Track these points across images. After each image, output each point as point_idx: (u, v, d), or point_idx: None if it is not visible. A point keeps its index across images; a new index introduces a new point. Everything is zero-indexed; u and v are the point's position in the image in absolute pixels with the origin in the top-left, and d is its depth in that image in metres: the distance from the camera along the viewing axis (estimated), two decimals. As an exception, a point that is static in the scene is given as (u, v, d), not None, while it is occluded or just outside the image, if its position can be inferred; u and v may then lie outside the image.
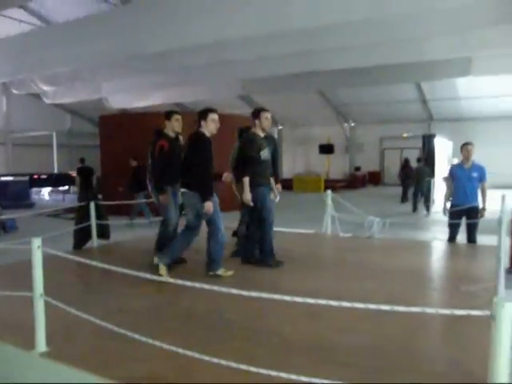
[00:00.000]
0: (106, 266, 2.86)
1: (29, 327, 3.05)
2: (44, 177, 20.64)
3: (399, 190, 17.57)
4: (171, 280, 2.66)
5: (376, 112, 24.43)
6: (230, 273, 4.91)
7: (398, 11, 7.95)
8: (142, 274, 2.82)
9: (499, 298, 1.66)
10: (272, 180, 5.60)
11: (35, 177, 19.93)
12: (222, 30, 9.33)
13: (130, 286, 4.36)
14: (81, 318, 3.12)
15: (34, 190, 20.74)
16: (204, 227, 5.02)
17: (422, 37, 10.10)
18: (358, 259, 5.89)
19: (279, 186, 5.82)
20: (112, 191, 12.21)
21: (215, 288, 2.47)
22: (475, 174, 6.36)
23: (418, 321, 3.49)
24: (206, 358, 2.37)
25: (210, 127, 4.86)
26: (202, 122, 4.86)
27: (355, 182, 24.94)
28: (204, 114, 4.89)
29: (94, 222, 6.43)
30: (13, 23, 16.00)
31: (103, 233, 6.57)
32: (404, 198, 16.88)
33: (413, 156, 18.56)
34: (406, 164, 17.74)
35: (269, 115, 5.43)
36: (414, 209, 14.65)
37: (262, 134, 5.40)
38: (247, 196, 5.15)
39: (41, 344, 3.05)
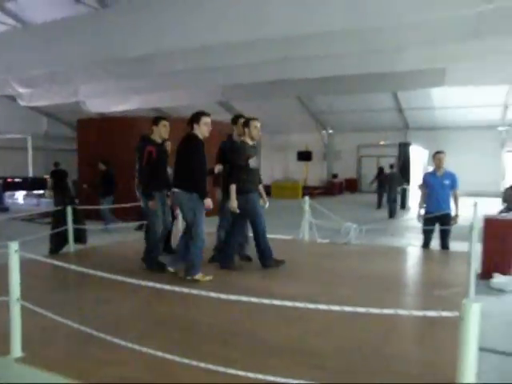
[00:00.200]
0: (85, 270, 2.85)
1: (4, 332, 3.02)
2: (18, 180, 20.28)
3: (375, 197, 17.89)
4: (150, 284, 2.67)
5: (353, 120, 24.79)
6: (208, 278, 4.93)
7: (375, 22, 8.12)
8: (119, 278, 2.82)
9: (467, 300, 1.74)
10: (261, 187, 5.72)
11: (9, 180, 19.56)
12: (202, 37, 9.35)
13: (106, 291, 4.35)
14: (57, 322, 3.11)
15: (8, 193, 20.33)
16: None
17: (398, 48, 10.32)
18: (335, 265, 5.98)
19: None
20: (89, 196, 12.11)
21: (194, 292, 2.50)
22: (447, 182, 6.54)
23: (391, 324, 3.57)
24: (185, 360, 2.39)
25: (202, 130, 4.98)
26: (195, 125, 4.97)
27: (332, 188, 25.22)
28: (197, 117, 5.00)
29: (70, 226, 6.36)
30: (-12, 23, 15.76)
31: (80, 237, 6.51)
32: (379, 205, 17.22)
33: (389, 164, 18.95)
34: (380, 172, 18.16)
35: (258, 124, 5.56)
36: (391, 215, 14.94)
37: (250, 143, 5.50)
38: (233, 203, 5.24)
39: (16, 349, 3.01)
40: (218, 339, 3.30)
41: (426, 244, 6.83)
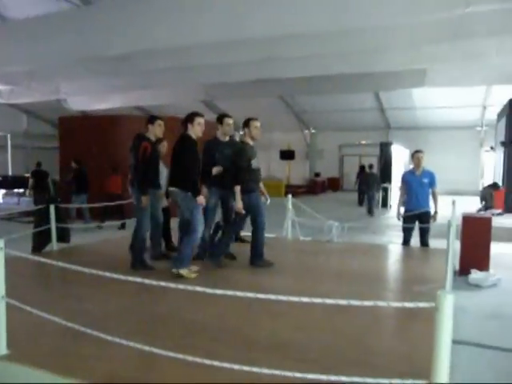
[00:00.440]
0: (73, 267, 2.88)
1: (-11, 330, 3.03)
2: (-2, 179, 19.99)
3: (357, 195, 18.19)
4: (137, 280, 2.71)
5: (336, 119, 25.01)
6: (193, 275, 4.99)
7: (357, 24, 8.25)
8: (107, 274, 2.86)
9: (442, 291, 1.83)
10: (261, 184, 5.86)
11: (-13, 179, 19.28)
12: (185, 36, 9.37)
13: (91, 288, 4.39)
14: (42, 320, 3.13)
15: (-13, 192, 20.04)
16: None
17: (380, 49, 10.50)
18: (318, 262, 6.08)
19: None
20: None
21: (180, 287, 2.56)
22: (426, 180, 6.69)
23: (372, 319, 3.68)
24: (171, 354, 2.44)
25: (196, 130, 5.09)
26: (189, 125, 5.08)
27: (315, 187, 25.39)
28: (190, 117, 5.11)
29: (53, 225, 6.34)
30: (-33, 19, 15.48)
31: (63, 236, 6.49)
32: (361, 203, 17.55)
33: (372, 163, 19.27)
34: (361, 171, 18.48)
35: (258, 124, 5.66)
36: (369, 212, 15.40)
37: (251, 143, 5.60)
38: (239, 204, 5.36)
39: (1, 347, 3.03)
40: (203, 334, 3.36)
41: (406, 241, 6.98)
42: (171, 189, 5.13)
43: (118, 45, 10.18)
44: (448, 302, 1.83)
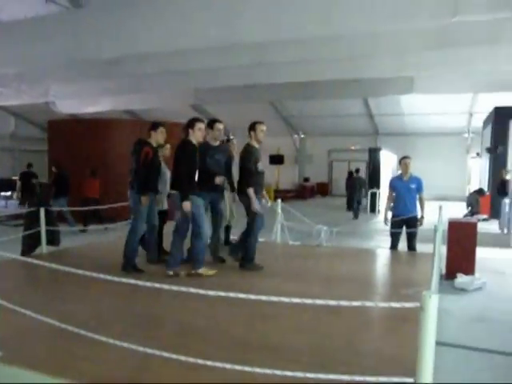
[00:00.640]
0: (67, 269, 2.91)
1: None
2: (-16, 182, 19.78)
3: (346, 200, 18.39)
4: (130, 281, 2.75)
5: (325, 125, 25.18)
6: (211, 272, 5.22)
7: (346, 31, 8.38)
8: (100, 276, 2.90)
9: (427, 292, 1.91)
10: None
11: (-26, 182, 19.09)
12: (175, 40, 9.41)
13: (82, 290, 4.42)
14: (34, 321, 3.15)
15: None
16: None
17: (369, 55, 10.65)
18: (307, 266, 6.15)
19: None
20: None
21: (174, 288, 2.60)
22: (413, 186, 6.81)
23: (360, 321, 3.75)
24: (165, 354, 2.48)
25: (196, 135, 5.26)
26: (190, 131, 5.23)
27: (304, 192, 25.51)
28: (191, 123, 5.26)
29: (43, 228, 6.34)
30: (-45, 21, 15.34)
31: (53, 239, 6.49)
32: (349, 207, 17.76)
33: (361, 168, 19.54)
34: (350, 176, 18.73)
35: (264, 127, 5.82)
36: (355, 216, 15.78)
37: (257, 146, 5.75)
38: (256, 205, 5.52)
39: (-7, 348, 3.04)
40: (194, 336, 3.41)
41: (393, 246, 7.08)
42: (172, 192, 5.29)
43: (109, 48, 10.16)
44: (433, 302, 1.90)
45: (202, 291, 2.46)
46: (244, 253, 5.72)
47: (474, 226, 7.32)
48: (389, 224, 6.99)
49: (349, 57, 10.92)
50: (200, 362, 2.37)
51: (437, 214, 6.67)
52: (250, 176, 5.57)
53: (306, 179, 27.30)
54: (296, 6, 8.20)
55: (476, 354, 4.19)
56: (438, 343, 2.42)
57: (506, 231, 11.77)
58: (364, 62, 11.46)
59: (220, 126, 5.99)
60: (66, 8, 15.42)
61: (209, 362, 2.37)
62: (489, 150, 16.08)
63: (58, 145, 14.15)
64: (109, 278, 2.67)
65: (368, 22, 7.85)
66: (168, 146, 6.25)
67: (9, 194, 20.71)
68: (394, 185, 7.06)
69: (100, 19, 10.08)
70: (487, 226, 13.07)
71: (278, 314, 3.74)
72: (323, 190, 27.31)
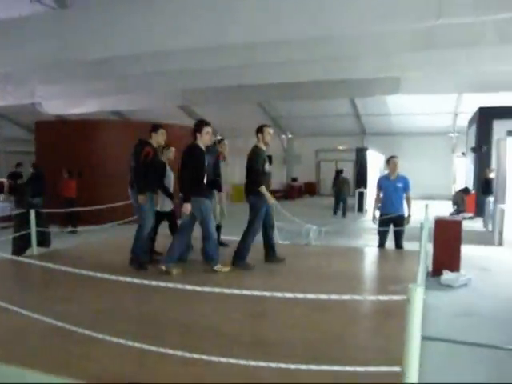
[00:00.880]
0: (63, 268, 2.96)
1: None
2: (-31, 183, 19.53)
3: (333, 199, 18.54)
4: (126, 279, 2.81)
5: (312, 125, 25.34)
6: (226, 269, 5.44)
7: (334, 32, 8.50)
8: (97, 274, 2.95)
9: (413, 285, 2.01)
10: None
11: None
12: (163, 41, 9.44)
13: (75, 290, 4.48)
14: (29, 320, 3.19)
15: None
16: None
17: (356, 56, 10.80)
18: (296, 265, 6.23)
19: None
20: (48, 198, 11.97)
21: (170, 285, 2.67)
22: (400, 185, 6.94)
23: (349, 317, 3.85)
24: (161, 350, 2.55)
25: (204, 139, 5.39)
26: (198, 135, 5.34)
27: (292, 192, 25.64)
28: (199, 127, 5.37)
29: (33, 229, 6.34)
30: None
31: (44, 240, 6.50)
32: (335, 210, 17.95)
33: (348, 168, 19.72)
34: (337, 175, 18.92)
35: (271, 130, 6.02)
36: (343, 214, 16.28)
37: (264, 148, 5.93)
38: (272, 200, 5.80)
39: (-11, 348, 3.08)
40: (187, 333, 3.47)
41: (381, 244, 7.20)
42: (181, 194, 5.40)
43: (97, 49, 10.15)
44: (418, 294, 2.00)
45: (198, 288, 2.53)
46: (237, 250, 5.81)
47: (459, 224, 7.49)
48: (377, 222, 7.11)
49: (336, 58, 11.05)
50: (196, 356, 2.45)
51: (423, 213, 6.80)
52: (258, 176, 5.76)
53: (294, 179, 27.45)
54: (284, 8, 8.30)
55: (461, 347, 4.31)
56: (425, 337, 2.52)
57: (490, 229, 11.99)
58: (351, 62, 11.61)
59: (208, 128, 6.05)
60: (51, 8, 15.34)
61: (204, 357, 2.44)
62: (473, 150, 16.34)
63: (46, 146, 14.08)
64: (106, 276, 2.73)
65: (355, 24, 7.98)
66: (172, 149, 6.37)
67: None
68: (381, 184, 7.18)
69: (87, 20, 10.06)
70: (472, 224, 13.31)
71: (269, 312, 3.83)
72: (311, 189, 27.48)
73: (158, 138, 5.75)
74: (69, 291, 4.53)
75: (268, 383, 2.55)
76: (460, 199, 15.69)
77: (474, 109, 17.09)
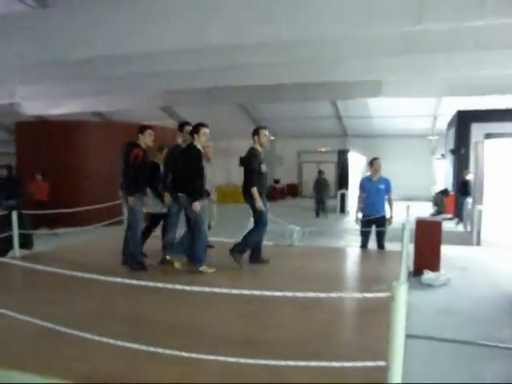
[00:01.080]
0: (56, 270, 2.96)
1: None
2: None
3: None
4: (111, 279, 2.83)
5: (294, 127, 25.50)
6: (210, 270, 5.48)
7: (316, 35, 8.61)
8: (85, 275, 2.96)
9: (397, 282, 2.08)
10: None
11: None
12: (146, 42, 9.42)
13: (59, 292, 4.47)
14: (15, 323, 3.18)
15: None
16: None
17: (337, 59, 10.95)
18: (280, 265, 6.30)
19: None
20: (30, 200, 11.82)
21: (169, 286, 2.70)
22: (382, 186, 7.07)
23: (334, 316, 3.93)
24: (151, 349, 2.58)
25: (201, 140, 5.52)
26: (195, 136, 5.45)
27: (275, 193, 25.71)
28: (197, 128, 5.50)
29: (16, 231, 6.28)
30: None
31: (26, 242, 6.44)
32: (317, 213, 18.15)
33: (330, 169, 19.88)
34: (319, 175, 19.18)
35: (267, 132, 6.21)
36: (317, 215, 16.65)
37: (260, 149, 6.08)
38: (259, 203, 5.84)
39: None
40: (174, 333, 3.51)
41: (363, 244, 7.32)
42: (179, 194, 5.50)
43: (78, 49, 10.06)
44: (402, 291, 2.08)
45: (187, 287, 2.57)
46: (240, 242, 6.02)
47: (439, 224, 7.64)
48: (359, 223, 7.22)
49: (317, 60, 11.18)
50: (185, 355, 2.48)
51: (404, 214, 6.94)
52: (253, 177, 5.89)
53: (277, 181, 27.55)
54: (265, 10, 8.36)
55: (441, 344, 4.43)
56: (407, 335, 2.60)
57: (468, 229, 12.25)
58: (333, 65, 11.75)
59: (190, 128, 6.08)
60: (32, 7, 15.15)
61: (193, 355, 2.48)
62: (452, 152, 16.66)
63: (26, 147, 13.89)
64: (94, 276, 2.74)
65: (336, 27, 8.10)
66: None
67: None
68: (363, 185, 7.30)
69: (70, 20, 9.96)
70: (451, 225, 13.58)
71: (258, 311, 3.88)
72: (293, 191, 27.63)
73: (146, 140, 5.75)
74: (54, 293, 4.51)
75: (258, 382, 2.60)
76: (440, 200, 15.98)
77: (453, 112, 17.42)
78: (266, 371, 2.61)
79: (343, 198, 18.00)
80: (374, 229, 7.16)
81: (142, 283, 2.80)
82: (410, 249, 6.65)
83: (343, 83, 14.45)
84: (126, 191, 5.59)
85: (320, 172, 18.36)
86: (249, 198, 5.94)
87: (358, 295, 2.38)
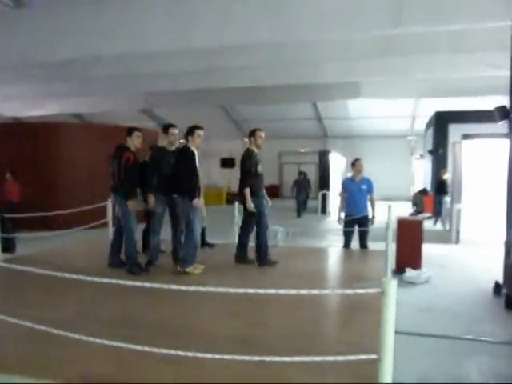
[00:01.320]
0: (44, 272, 2.96)
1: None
2: None
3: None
4: (97, 279, 2.84)
5: (275, 128, 25.53)
6: (197, 271, 5.48)
7: (296, 38, 8.72)
8: (72, 276, 2.96)
9: (387, 278, 2.16)
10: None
11: None
12: (127, 44, 9.41)
13: (45, 295, 4.44)
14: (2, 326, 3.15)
15: None
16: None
17: (317, 62, 11.09)
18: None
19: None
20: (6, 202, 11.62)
21: (157, 286, 2.72)
22: (364, 187, 7.18)
23: (321, 313, 4.00)
24: (146, 348, 2.60)
25: (196, 142, 5.56)
26: (190, 138, 5.49)
27: (256, 195, 25.82)
28: (191, 130, 5.52)
29: (-2, 235, 6.20)
30: None
31: (8, 246, 6.36)
32: (299, 213, 18.31)
33: (311, 170, 20.06)
34: (300, 175, 19.42)
35: (263, 134, 6.31)
36: (298, 214, 16.94)
37: (256, 150, 6.21)
38: (250, 204, 5.90)
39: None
40: (164, 332, 3.52)
41: (346, 244, 7.41)
42: (174, 195, 5.53)
43: (57, 50, 9.97)
44: (392, 286, 2.16)
45: (174, 286, 2.60)
46: (257, 250, 6.09)
47: (420, 223, 7.82)
48: (342, 223, 7.32)
49: (297, 63, 11.31)
50: (181, 353, 2.51)
51: (386, 214, 7.07)
52: (248, 177, 5.99)
53: (258, 182, 27.63)
54: (246, 14, 8.44)
55: (423, 338, 4.58)
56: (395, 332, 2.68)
57: (447, 228, 12.51)
58: (312, 67, 11.90)
59: (175, 130, 6.16)
60: (7, 6, 14.86)
61: (180, 352, 2.50)
62: (431, 152, 16.99)
63: (2, 149, 13.60)
64: (82, 277, 2.75)
65: (315, 31, 8.22)
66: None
67: None
68: (346, 186, 7.41)
69: (47, 20, 9.88)
70: (431, 224, 13.84)
71: (247, 310, 3.94)
72: (274, 192, 27.66)
73: (134, 142, 5.72)
74: (40, 296, 4.48)
75: (253, 379, 2.64)
76: (419, 200, 16.25)
77: (431, 113, 17.78)
78: (260, 368, 2.66)
79: (324, 198, 18.15)
80: (356, 229, 7.26)
81: (129, 283, 2.82)
82: (392, 247, 6.79)
83: (323, 85, 14.63)
84: (122, 195, 5.53)
85: (301, 173, 18.51)
86: (243, 199, 6.02)
87: (350, 292, 2.45)
